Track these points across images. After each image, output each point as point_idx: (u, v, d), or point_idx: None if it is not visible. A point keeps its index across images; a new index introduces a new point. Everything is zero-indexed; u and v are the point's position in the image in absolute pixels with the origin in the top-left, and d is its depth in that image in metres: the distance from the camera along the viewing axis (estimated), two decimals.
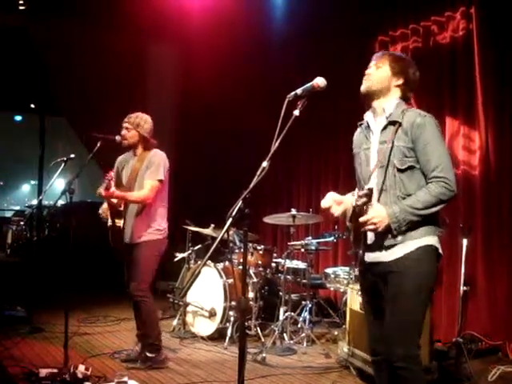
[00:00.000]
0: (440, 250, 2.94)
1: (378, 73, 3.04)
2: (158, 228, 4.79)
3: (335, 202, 3.06)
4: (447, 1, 5.86)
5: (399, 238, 2.86)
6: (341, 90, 5.79)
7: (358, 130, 3.21)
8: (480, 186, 5.53)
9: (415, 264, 2.85)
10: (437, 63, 5.97)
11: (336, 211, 3.05)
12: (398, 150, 2.90)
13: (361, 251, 3.05)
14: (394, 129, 2.92)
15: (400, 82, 3.03)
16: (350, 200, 3.03)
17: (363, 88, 3.06)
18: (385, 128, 2.99)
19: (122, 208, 4.74)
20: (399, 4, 6.45)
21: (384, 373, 2.99)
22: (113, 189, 4.52)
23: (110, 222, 4.81)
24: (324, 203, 3.08)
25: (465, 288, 4.83)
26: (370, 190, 2.79)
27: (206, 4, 8.03)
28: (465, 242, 4.82)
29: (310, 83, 2.83)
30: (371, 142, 3.05)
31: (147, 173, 4.71)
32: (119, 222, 4.74)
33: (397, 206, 2.82)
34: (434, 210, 2.82)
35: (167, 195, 4.93)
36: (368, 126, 3.10)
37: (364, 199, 2.76)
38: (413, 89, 3.11)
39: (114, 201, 4.71)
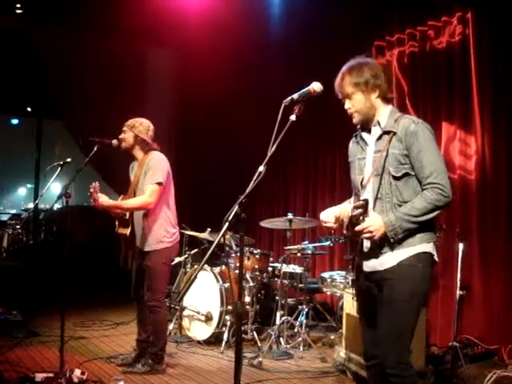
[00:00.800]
0: (435, 257, 2.94)
1: (355, 102, 3.00)
2: (165, 235, 4.72)
3: (333, 217, 3.03)
4: (444, 6, 5.88)
5: (395, 245, 2.86)
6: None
7: (353, 139, 3.20)
8: (476, 191, 5.54)
9: (409, 270, 2.85)
10: (433, 68, 5.98)
11: (333, 225, 3.04)
12: (393, 158, 2.89)
13: (357, 259, 3.05)
14: (389, 137, 2.92)
15: (377, 93, 2.99)
16: (346, 208, 3.04)
17: (356, 122, 3.06)
18: (379, 138, 2.99)
19: (127, 217, 4.69)
20: (396, 9, 6.46)
21: (377, 378, 2.99)
22: (102, 199, 4.49)
23: (116, 230, 4.80)
24: (322, 217, 3.05)
25: (461, 292, 4.83)
26: (366, 201, 2.80)
27: (203, 7, 8.03)
28: (461, 246, 4.83)
29: (307, 88, 2.85)
30: (366, 153, 3.05)
31: (146, 177, 4.66)
32: (125, 231, 4.70)
33: (393, 214, 2.82)
34: (430, 216, 2.82)
35: (173, 198, 4.86)
36: (362, 139, 3.09)
37: (360, 210, 2.76)
38: (388, 88, 3.05)
39: (117, 210, 4.70)
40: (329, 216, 3.03)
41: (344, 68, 3.03)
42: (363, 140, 3.09)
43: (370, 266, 2.97)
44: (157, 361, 4.76)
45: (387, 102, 3.04)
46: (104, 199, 4.51)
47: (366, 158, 3.05)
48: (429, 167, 2.83)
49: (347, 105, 3.04)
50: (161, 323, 4.79)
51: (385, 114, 3.01)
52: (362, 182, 3.04)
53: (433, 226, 2.94)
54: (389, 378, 2.83)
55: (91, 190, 4.44)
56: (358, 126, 3.13)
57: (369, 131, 3.07)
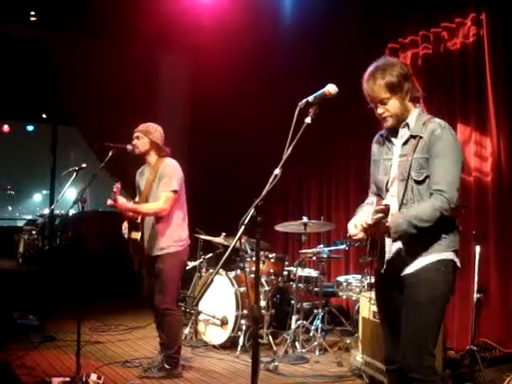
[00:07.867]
0: (458, 263, 2.90)
1: (391, 107, 2.90)
2: (177, 239, 4.76)
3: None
4: (457, 7, 5.85)
5: (418, 251, 2.82)
6: (351, 96, 5.76)
7: (378, 137, 3.13)
8: (492, 193, 5.49)
9: (430, 275, 2.82)
10: (447, 70, 5.95)
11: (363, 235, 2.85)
12: (416, 162, 2.85)
13: (376, 261, 3.01)
14: (415, 142, 2.87)
15: (409, 96, 2.93)
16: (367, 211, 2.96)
17: (389, 126, 2.96)
18: (406, 142, 2.93)
19: (139, 221, 4.72)
20: (409, 11, 6.43)
21: (398, 382, 2.96)
22: (121, 201, 4.54)
23: (126, 235, 4.81)
24: (350, 230, 2.86)
25: (478, 295, 4.79)
26: (387, 207, 2.69)
27: (216, 11, 8.06)
28: (478, 249, 4.79)
29: (322, 90, 2.82)
30: (393, 154, 3.00)
31: (160, 184, 4.70)
32: (136, 235, 4.72)
33: (402, 218, 2.74)
34: (432, 224, 2.73)
35: (185, 204, 4.91)
36: (389, 140, 3.03)
37: (380, 214, 2.66)
38: (415, 89, 2.99)
39: (130, 213, 4.73)
40: (356, 226, 2.80)
41: (373, 70, 2.92)
42: (390, 141, 3.03)
43: (391, 269, 2.94)
44: (172, 364, 4.75)
45: (415, 103, 2.99)
46: (123, 201, 4.58)
47: (392, 159, 3.00)
48: (438, 174, 2.79)
49: (380, 110, 2.92)
50: (174, 326, 4.78)
51: (413, 115, 2.96)
52: (386, 185, 2.99)
53: (455, 232, 2.89)
54: (413, 382, 2.80)
55: (114, 190, 4.49)
56: (386, 130, 3.06)
57: (395, 132, 3.00)
